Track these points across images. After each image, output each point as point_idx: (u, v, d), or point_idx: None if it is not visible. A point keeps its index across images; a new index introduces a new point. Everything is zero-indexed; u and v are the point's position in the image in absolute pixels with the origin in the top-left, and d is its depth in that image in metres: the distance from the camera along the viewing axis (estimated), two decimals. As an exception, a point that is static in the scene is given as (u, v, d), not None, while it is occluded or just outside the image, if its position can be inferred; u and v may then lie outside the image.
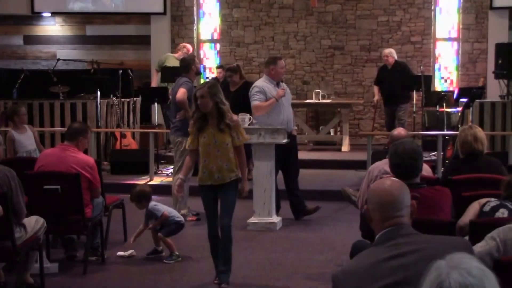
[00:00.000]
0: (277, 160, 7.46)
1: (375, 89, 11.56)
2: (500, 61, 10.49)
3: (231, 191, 5.30)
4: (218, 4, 13.72)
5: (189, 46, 11.61)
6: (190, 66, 7.87)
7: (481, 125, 9.36)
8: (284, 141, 7.26)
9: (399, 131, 5.52)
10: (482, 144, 5.24)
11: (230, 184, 5.28)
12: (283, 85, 7.77)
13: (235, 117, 5.37)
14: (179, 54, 11.14)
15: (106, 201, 6.24)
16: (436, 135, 9.53)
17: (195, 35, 13.73)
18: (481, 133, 5.30)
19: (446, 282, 1.75)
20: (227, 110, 5.23)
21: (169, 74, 11.65)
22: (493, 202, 4.06)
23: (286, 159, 7.64)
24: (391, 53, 11.17)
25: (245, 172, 5.42)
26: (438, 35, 13.24)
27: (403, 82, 10.91)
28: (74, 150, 5.73)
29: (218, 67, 12.00)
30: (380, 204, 2.62)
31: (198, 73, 8.44)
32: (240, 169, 5.33)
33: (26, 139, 7.80)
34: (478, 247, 3.35)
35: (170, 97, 8.85)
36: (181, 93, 7.62)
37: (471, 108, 9.81)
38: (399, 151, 4.05)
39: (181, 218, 6.46)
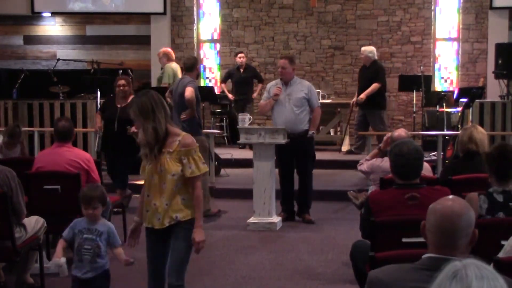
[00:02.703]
0: (288, 161, 7.55)
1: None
2: (500, 61, 10.49)
3: (177, 239, 4.00)
4: (218, 4, 13.72)
5: (163, 51, 10.78)
6: (194, 66, 7.93)
7: (481, 125, 9.33)
8: (284, 141, 7.28)
9: (399, 132, 5.54)
10: (476, 144, 5.26)
11: (173, 231, 3.99)
12: (300, 83, 7.56)
13: (189, 138, 4.01)
14: (164, 62, 10.62)
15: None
16: (436, 135, 9.52)
17: (195, 35, 13.73)
18: (478, 134, 5.32)
19: (462, 271, 1.75)
20: (174, 133, 3.98)
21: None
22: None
23: (303, 169, 7.61)
24: (364, 52, 10.73)
25: (199, 214, 4.00)
26: (438, 35, 13.24)
27: (369, 86, 10.49)
28: (69, 146, 5.78)
29: (239, 52, 12.09)
30: (437, 229, 2.39)
31: (198, 76, 8.44)
32: (195, 208, 3.99)
33: (12, 153, 7.58)
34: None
35: (168, 98, 8.73)
36: (190, 91, 7.61)
37: (471, 108, 9.80)
38: (403, 151, 4.05)
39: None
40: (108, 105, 8.11)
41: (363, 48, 10.92)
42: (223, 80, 12.21)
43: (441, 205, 2.43)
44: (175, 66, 10.58)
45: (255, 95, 11.93)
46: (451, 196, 2.53)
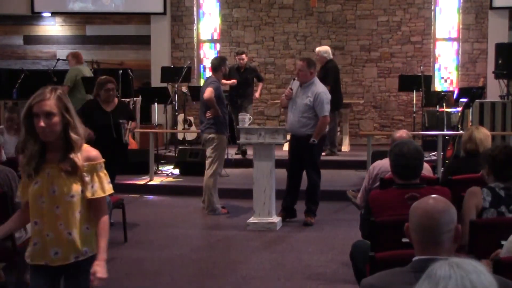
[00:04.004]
0: (292, 160, 7.54)
1: None
2: (500, 61, 10.49)
3: (80, 280, 3.19)
4: (218, 4, 13.72)
5: (71, 53, 10.48)
6: (219, 66, 8.01)
7: (481, 125, 9.35)
8: (283, 141, 7.30)
9: (400, 133, 5.51)
10: (475, 144, 5.29)
11: (78, 267, 3.16)
12: (311, 89, 7.40)
13: (92, 151, 3.22)
14: (73, 64, 10.21)
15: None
16: (436, 135, 9.53)
17: (195, 35, 13.74)
18: (478, 134, 5.35)
19: (433, 271, 1.75)
20: (80, 138, 3.14)
21: (169, 74, 11.69)
22: (490, 212, 3.99)
23: (306, 171, 7.58)
24: (319, 52, 10.60)
25: (104, 245, 3.17)
26: (438, 35, 13.25)
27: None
28: None
29: (240, 53, 10.94)
30: (419, 226, 2.44)
31: (225, 75, 8.34)
32: (98, 237, 3.18)
33: (12, 142, 7.57)
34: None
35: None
36: (209, 92, 7.75)
37: (471, 108, 9.81)
38: (404, 151, 4.05)
39: None
40: (93, 110, 7.34)
41: (317, 49, 10.85)
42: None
43: (422, 204, 2.49)
44: (82, 69, 10.13)
45: (257, 95, 11.11)
46: (433, 195, 2.57)
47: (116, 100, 7.46)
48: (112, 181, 7.19)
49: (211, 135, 7.88)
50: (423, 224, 2.43)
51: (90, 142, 7.08)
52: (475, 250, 3.69)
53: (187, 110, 12.44)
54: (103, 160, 3.23)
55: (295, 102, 7.42)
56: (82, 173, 3.11)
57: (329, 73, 10.45)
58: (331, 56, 10.76)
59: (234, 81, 10.41)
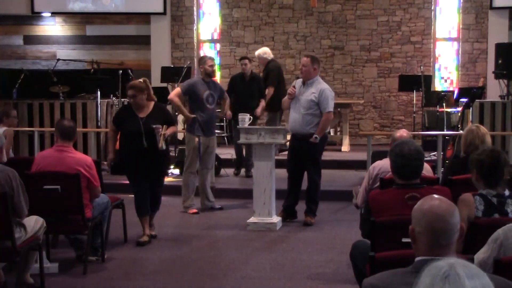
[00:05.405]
0: (292, 160, 7.53)
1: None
2: (500, 61, 10.49)
3: None
4: (218, 4, 13.73)
5: None
6: (199, 65, 8.23)
7: (481, 125, 9.34)
8: (283, 141, 7.29)
9: (401, 133, 5.50)
10: (475, 144, 5.28)
11: None
12: (315, 86, 7.39)
13: None
14: None
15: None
16: (436, 135, 9.52)
17: (195, 35, 13.74)
18: (488, 136, 5.34)
19: (452, 271, 1.73)
20: None
21: (169, 74, 11.69)
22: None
23: (307, 170, 7.54)
24: (259, 55, 10.21)
25: None
26: (438, 35, 13.26)
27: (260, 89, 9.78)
28: (71, 149, 5.73)
29: (243, 58, 9.90)
30: (430, 229, 2.37)
31: (208, 74, 8.03)
32: None
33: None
34: (482, 253, 3.35)
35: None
36: (172, 92, 8.17)
37: (471, 108, 9.81)
38: (404, 151, 4.04)
39: None
40: (125, 116, 6.70)
41: (256, 53, 10.38)
42: (229, 93, 9.14)
43: (429, 206, 2.42)
44: None
45: (258, 111, 9.53)
46: (434, 196, 2.52)
47: (151, 104, 6.63)
48: (157, 194, 6.91)
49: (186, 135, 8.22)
50: (437, 228, 2.37)
51: (123, 150, 6.58)
52: (475, 250, 3.69)
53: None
54: None
55: (298, 100, 7.41)
56: None
57: (270, 73, 9.98)
58: (272, 56, 10.28)
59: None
